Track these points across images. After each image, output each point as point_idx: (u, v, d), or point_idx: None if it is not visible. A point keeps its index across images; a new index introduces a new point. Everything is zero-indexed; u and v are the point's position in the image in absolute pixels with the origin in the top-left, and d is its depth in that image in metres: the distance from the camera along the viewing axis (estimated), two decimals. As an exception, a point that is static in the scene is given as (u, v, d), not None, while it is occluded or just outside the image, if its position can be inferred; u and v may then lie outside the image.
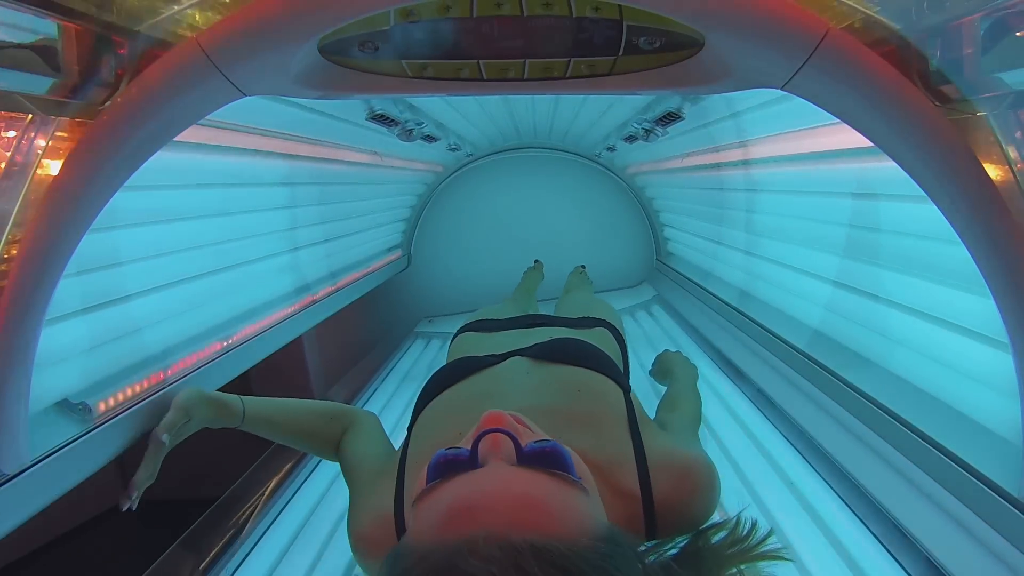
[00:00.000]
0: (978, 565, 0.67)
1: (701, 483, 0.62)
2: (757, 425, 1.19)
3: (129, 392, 0.82)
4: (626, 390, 0.74)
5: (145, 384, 0.85)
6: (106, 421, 0.74)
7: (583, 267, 1.95)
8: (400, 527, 0.62)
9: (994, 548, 0.67)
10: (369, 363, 1.90)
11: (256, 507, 1.01)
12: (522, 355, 0.82)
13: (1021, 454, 0.64)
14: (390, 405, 1.56)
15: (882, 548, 0.80)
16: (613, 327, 1.09)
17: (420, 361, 1.96)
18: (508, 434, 0.50)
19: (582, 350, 0.82)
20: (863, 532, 0.84)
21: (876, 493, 0.85)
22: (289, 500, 1.07)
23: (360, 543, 0.65)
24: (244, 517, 0.98)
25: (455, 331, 1.14)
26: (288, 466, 1.14)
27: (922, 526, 0.75)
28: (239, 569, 0.90)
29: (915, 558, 0.76)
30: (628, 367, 1.07)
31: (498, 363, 0.81)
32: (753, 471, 1.03)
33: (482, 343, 0.99)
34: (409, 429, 0.74)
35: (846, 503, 0.90)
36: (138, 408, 0.78)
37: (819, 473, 0.99)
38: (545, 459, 0.48)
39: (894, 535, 0.80)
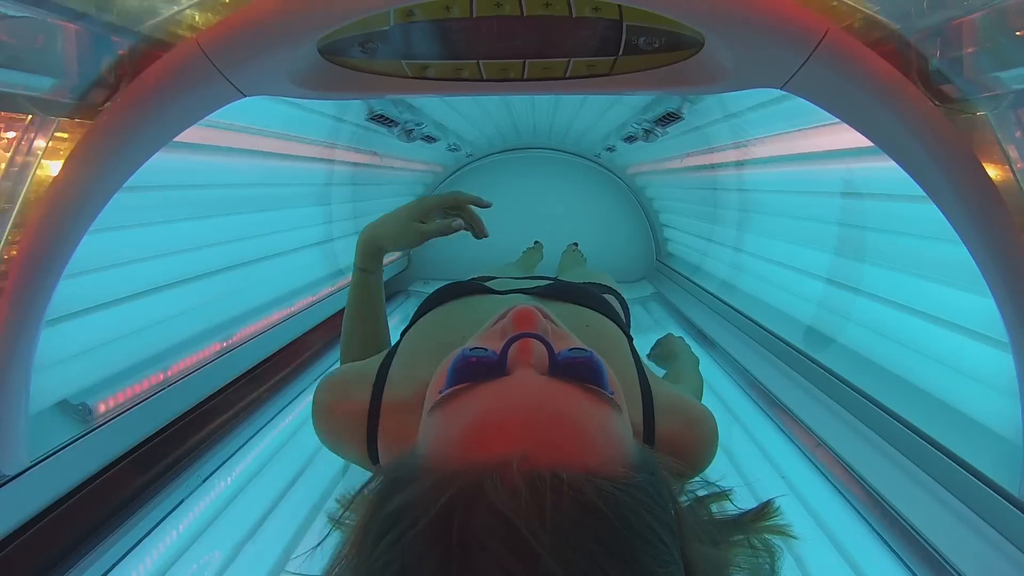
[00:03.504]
0: (980, 560, 0.67)
1: (704, 435, 0.60)
2: (772, 442, 1.11)
3: (129, 392, 0.82)
4: (630, 339, 0.72)
5: (145, 384, 0.85)
6: (106, 422, 0.74)
7: (576, 244, 1.91)
8: (375, 406, 0.60)
9: (998, 546, 0.67)
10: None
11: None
12: (526, 293, 0.79)
13: (1021, 454, 0.64)
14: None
15: (875, 534, 0.79)
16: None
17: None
18: (542, 340, 0.46)
19: (587, 293, 0.79)
20: (849, 512, 0.83)
21: (875, 484, 0.84)
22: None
23: (324, 412, 0.61)
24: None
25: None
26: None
27: (922, 518, 0.75)
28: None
29: (914, 550, 0.75)
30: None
31: (503, 295, 0.78)
32: (759, 477, 1.01)
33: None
34: (403, 333, 0.71)
35: (840, 492, 0.89)
36: (138, 409, 0.78)
37: (822, 473, 0.98)
38: (580, 371, 0.44)
39: (886, 517, 0.79)
